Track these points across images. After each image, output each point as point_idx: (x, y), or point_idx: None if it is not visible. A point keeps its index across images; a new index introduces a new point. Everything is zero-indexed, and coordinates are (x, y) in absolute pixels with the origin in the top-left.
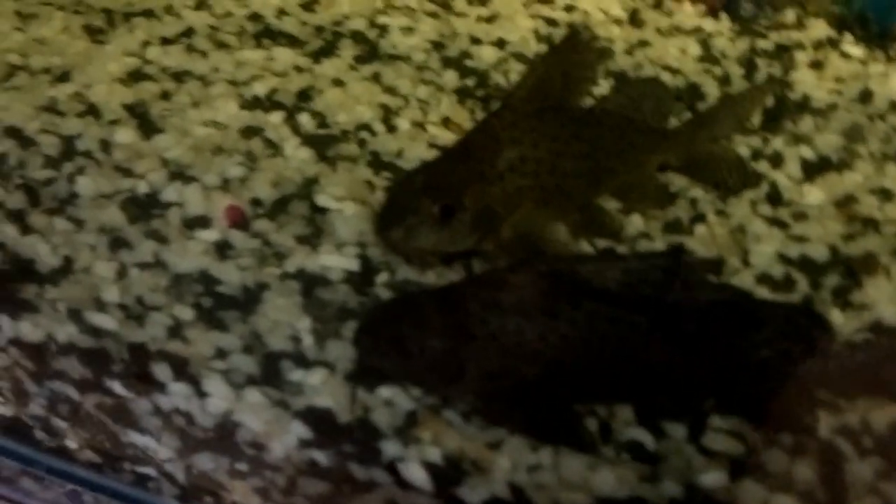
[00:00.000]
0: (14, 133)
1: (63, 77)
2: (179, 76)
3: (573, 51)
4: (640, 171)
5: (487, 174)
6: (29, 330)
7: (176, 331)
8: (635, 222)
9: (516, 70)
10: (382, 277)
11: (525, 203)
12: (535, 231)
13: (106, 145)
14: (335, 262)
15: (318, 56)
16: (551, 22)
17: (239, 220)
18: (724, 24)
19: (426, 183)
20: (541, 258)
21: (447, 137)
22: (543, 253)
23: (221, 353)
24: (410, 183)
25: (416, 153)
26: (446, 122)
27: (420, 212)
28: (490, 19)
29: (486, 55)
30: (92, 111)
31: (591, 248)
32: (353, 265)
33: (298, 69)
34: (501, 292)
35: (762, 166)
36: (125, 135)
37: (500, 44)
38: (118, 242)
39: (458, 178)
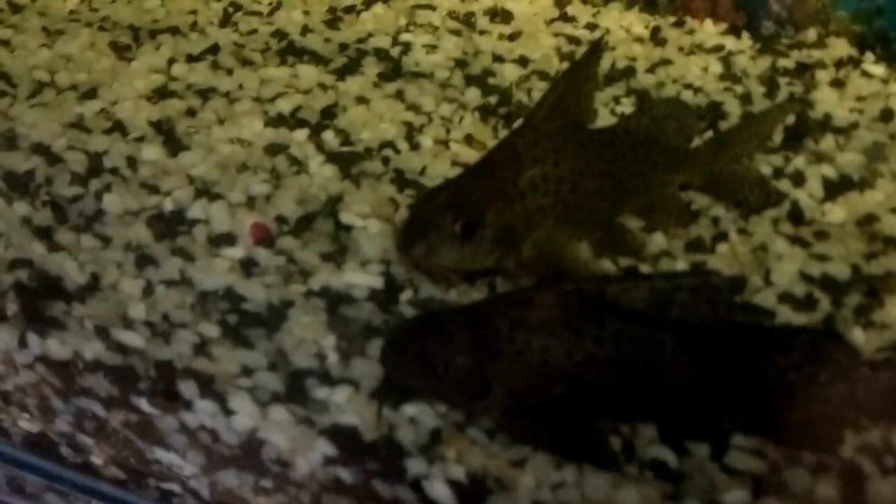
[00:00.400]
0: (41, 149)
1: (90, 94)
2: (205, 93)
3: (592, 68)
4: (663, 190)
5: (509, 192)
6: (56, 347)
7: (202, 348)
8: (657, 241)
9: (539, 88)
10: (406, 295)
11: (546, 221)
12: (556, 249)
13: (132, 162)
14: (359, 279)
15: (342, 73)
16: (573, 40)
17: (264, 238)
18: (746, 42)
19: (448, 200)
20: (564, 277)
21: (470, 155)
22: (565, 271)
23: (247, 371)
24: (433, 200)
25: (440, 171)
26: (469, 140)
27: (442, 229)
28: (512, 37)
29: (509, 73)
30: (118, 128)
31: (613, 267)
32: (378, 283)
33: (323, 86)
34: (528, 311)
35: (784, 185)
36: (151, 152)
37: (523, 61)
38: (144, 260)
39: (480, 196)
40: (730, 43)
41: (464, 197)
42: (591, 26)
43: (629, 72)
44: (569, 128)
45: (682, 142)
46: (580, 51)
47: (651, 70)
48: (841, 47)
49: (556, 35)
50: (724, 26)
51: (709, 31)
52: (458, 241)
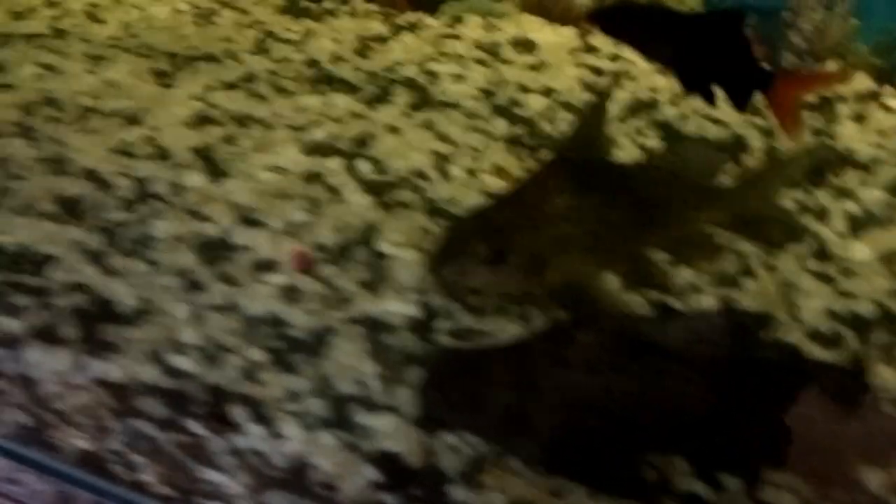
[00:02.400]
0: (90, 174)
1: (133, 120)
2: (242, 120)
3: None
4: (689, 225)
5: (538, 221)
6: (110, 369)
7: (250, 372)
8: (684, 275)
9: (563, 118)
10: (442, 323)
11: (574, 251)
12: (583, 278)
13: (177, 188)
14: (396, 307)
15: (373, 102)
16: (596, 70)
17: (305, 265)
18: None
19: (479, 226)
20: (597, 309)
21: (498, 185)
22: (591, 299)
23: (293, 396)
24: (464, 226)
25: (470, 200)
26: (497, 170)
27: (472, 253)
28: (537, 67)
29: (534, 103)
30: (161, 154)
31: (639, 299)
32: (414, 311)
33: (355, 115)
34: (569, 349)
35: (809, 221)
36: (194, 178)
37: (548, 92)
38: (192, 284)
39: (510, 223)
40: None
41: (494, 223)
42: (614, 57)
43: (652, 104)
44: (597, 160)
45: (708, 179)
46: (603, 82)
47: (674, 102)
48: (861, 81)
49: (580, 65)
50: None
51: None
52: (487, 265)
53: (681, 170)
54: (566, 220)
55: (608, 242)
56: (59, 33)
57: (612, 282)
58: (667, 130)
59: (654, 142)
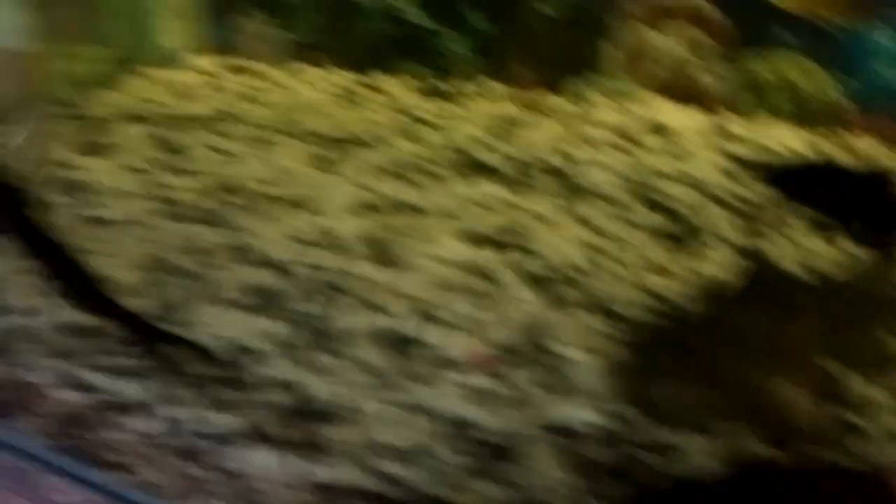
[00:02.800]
0: (271, 263)
1: (300, 205)
2: (400, 207)
3: None
4: (870, 338)
5: (719, 331)
6: (314, 469)
7: (449, 477)
8: (871, 392)
9: (707, 208)
10: (630, 434)
11: (756, 363)
12: (768, 392)
13: (352, 277)
14: (583, 415)
15: (519, 189)
16: (737, 159)
17: (487, 365)
18: None
19: (661, 335)
20: (787, 428)
21: (657, 282)
22: (779, 416)
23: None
24: (646, 334)
25: (631, 297)
26: (654, 267)
27: (656, 364)
28: (674, 153)
29: (678, 192)
30: (332, 241)
31: (824, 415)
32: (601, 419)
33: (502, 202)
34: (779, 483)
35: None
36: (367, 268)
37: (689, 180)
38: (381, 381)
39: (692, 333)
40: (885, 158)
41: (675, 333)
42: (749, 142)
43: None
44: (778, 276)
45: (883, 289)
46: (741, 169)
47: None
48: None
49: (718, 152)
50: (880, 140)
51: (861, 147)
52: (672, 377)
53: (855, 279)
54: (747, 332)
55: (789, 355)
56: (224, 115)
57: (795, 396)
58: (827, 229)
59: (811, 241)
